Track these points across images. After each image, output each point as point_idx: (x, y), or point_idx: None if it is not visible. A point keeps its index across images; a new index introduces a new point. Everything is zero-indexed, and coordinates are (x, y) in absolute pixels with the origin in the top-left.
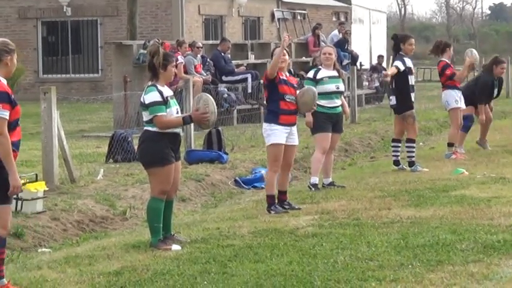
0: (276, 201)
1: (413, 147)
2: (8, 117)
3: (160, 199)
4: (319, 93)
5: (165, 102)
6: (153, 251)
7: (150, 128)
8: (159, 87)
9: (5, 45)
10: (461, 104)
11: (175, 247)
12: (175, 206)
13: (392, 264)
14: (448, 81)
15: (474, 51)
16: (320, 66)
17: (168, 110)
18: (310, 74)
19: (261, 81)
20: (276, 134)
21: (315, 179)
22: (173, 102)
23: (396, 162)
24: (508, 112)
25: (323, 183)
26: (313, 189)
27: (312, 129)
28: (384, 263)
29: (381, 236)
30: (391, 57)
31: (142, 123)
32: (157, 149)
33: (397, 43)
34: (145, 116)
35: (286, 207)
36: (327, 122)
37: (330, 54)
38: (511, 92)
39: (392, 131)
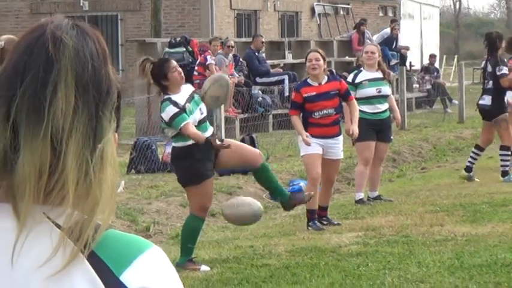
0: (316, 216)
1: (508, 155)
2: None
3: (200, 217)
4: (359, 99)
5: (183, 110)
6: (179, 271)
7: (176, 145)
8: (173, 97)
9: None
10: None
11: (204, 268)
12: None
13: (445, 286)
14: None
15: None
16: (362, 68)
17: (190, 116)
18: (350, 78)
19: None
20: (308, 146)
21: (360, 195)
22: (193, 105)
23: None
24: None
25: (368, 197)
26: (358, 205)
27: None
28: (436, 285)
29: (432, 255)
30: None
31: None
32: (188, 167)
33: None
34: (170, 132)
35: (325, 223)
36: (369, 129)
37: (372, 53)
38: None
39: (447, 139)
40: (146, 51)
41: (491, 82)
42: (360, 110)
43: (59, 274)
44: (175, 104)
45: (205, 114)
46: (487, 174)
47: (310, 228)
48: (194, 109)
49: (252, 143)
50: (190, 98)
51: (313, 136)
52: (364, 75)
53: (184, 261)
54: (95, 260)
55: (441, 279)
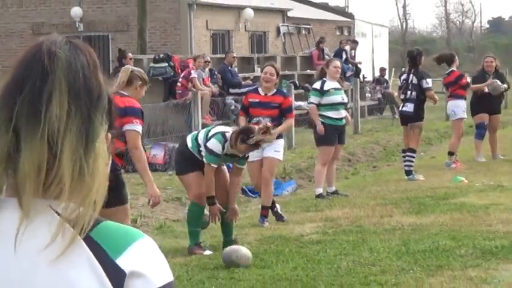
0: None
1: (414, 157)
2: (141, 132)
3: (196, 204)
4: (326, 105)
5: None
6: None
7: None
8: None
9: (141, 73)
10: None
11: (208, 252)
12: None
13: (393, 269)
14: (457, 91)
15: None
16: (325, 78)
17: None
18: (317, 85)
19: None
20: None
21: (319, 190)
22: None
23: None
24: (506, 122)
25: (327, 192)
26: (319, 199)
27: (317, 140)
28: (385, 268)
29: (382, 242)
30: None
31: (155, 135)
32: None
33: (413, 58)
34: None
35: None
36: (334, 134)
37: (339, 67)
38: (509, 103)
39: (395, 141)
40: (134, 66)
41: (414, 93)
42: (327, 116)
43: (60, 257)
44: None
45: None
46: (431, 172)
47: (260, 223)
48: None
49: None
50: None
51: None
52: (329, 84)
53: (193, 244)
54: (93, 245)
55: (390, 263)
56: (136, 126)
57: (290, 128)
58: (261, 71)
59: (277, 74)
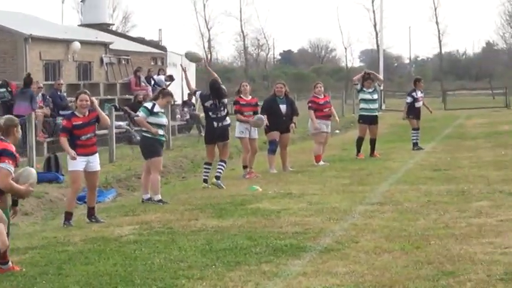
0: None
1: (225, 166)
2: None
3: None
4: (154, 124)
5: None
6: None
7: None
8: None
9: (11, 121)
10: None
11: None
12: (18, 218)
13: (199, 265)
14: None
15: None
16: (155, 102)
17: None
18: (149, 106)
19: None
20: (74, 163)
21: (147, 196)
22: None
23: (206, 181)
24: (294, 139)
25: (142, 199)
26: (161, 204)
27: (147, 154)
28: (192, 264)
29: (190, 242)
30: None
31: None
32: None
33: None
34: None
35: (93, 220)
36: (160, 147)
37: (172, 96)
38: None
39: (201, 155)
40: None
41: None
42: (159, 134)
43: None
44: None
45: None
46: (230, 181)
47: (65, 225)
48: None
49: (56, 160)
50: None
51: (80, 154)
52: (158, 108)
53: None
54: None
55: (196, 260)
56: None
57: None
58: (76, 98)
59: (90, 99)
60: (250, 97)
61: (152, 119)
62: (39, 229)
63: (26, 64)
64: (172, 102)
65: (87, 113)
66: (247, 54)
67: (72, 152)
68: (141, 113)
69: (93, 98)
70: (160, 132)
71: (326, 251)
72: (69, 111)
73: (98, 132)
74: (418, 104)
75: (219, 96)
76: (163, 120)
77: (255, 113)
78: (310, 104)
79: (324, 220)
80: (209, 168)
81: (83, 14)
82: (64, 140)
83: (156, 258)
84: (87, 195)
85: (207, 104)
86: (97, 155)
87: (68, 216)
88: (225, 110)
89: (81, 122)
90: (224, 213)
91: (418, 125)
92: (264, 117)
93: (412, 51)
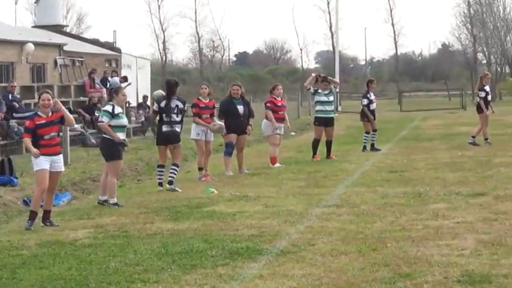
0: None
1: (177, 170)
2: None
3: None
4: (115, 126)
5: None
6: None
7: None
8: None
9: None
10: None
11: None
12: None
13: (155, 268)
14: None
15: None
16: (113, 103)
17: None
18: (109, 109)
19: None
20: (39, 162)
21: (103, 197)
22: None
23: (161, 184)
24: (250, 142)
25: (99, 200)
26: (116, 207)
27: (107, 156)
28: (148, 267)
29: (145, 245)
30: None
31: None
32: None
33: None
34: None
35: (48, 224)
36: (120, 150)
37: (126, 95)
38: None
39: (156, 158)
40: None
41: (180, 115)
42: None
43: None
44: None
45: None
46: (186, 184)
47: (28, 223)
48: None
49: (10, 163)
50: None
51: (43, 154)
52: (118, 109)
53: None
54: None
55: (151, 263)
56: None
57: None
58: (39, 98)
59: (52, 98)
60: (208, 99)
61: (114, 122)
62: None
63: None
64: (128, 105)
65: (50, 113)
66: (202, 56)
67: (35, 150)
68: (104, 118)
69: (56, 99)
70: (122, 136)
71: (282, 253)
72: (28, 113)
73: (71, 133)
74: (373, 106)
75: (170, 93)
76: (124, 121)
77: (212, 115)
78: (268, 104)
79: (280, 223)
80: (162, 171)
81: (37, 15)
82: (27, 140)
83: (111, 262)
84: (45, 197)
85: (162, 104)
86: (61, 155)
87: (33, 215)
88: (180, 117)
89: (44, 121)
90: (180, 216)
91: (374, 127)
92: (223, 124)
93: (368, 53)
